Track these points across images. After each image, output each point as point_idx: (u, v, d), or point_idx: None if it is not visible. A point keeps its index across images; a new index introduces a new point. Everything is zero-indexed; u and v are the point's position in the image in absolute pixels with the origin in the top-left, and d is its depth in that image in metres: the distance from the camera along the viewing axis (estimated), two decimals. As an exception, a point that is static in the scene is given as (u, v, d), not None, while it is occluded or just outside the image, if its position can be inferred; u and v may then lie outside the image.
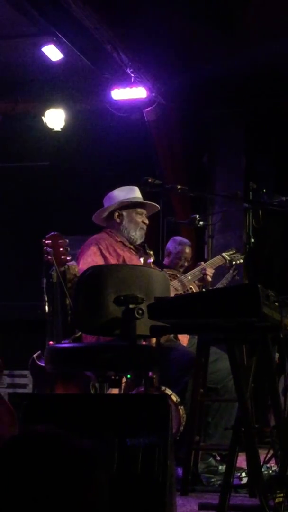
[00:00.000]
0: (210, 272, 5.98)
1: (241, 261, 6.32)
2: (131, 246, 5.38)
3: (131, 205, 5.39)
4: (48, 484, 1.72)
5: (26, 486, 1.72)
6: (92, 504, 1.75)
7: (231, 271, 7.05)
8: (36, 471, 1.74)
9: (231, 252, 6.29)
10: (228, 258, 6.21)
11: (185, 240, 7.01)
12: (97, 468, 1.78)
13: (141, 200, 5.41)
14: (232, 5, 7.16)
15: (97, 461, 1.79)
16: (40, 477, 1.73)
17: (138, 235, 5.38)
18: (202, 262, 6.18)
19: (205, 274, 5.93)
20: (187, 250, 6.89)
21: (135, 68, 8.14)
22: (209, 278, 5.96)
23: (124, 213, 5.37)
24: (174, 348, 5.51)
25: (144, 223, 5.41)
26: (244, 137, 9.14)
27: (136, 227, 5.37)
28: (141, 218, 5.40)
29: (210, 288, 6.36)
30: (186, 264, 6.82)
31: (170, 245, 6.96)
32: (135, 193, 5.40)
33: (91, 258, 5.06)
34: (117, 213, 5.37)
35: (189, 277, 5.86)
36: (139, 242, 5.40)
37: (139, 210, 5.40)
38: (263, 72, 8.22)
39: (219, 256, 6.24)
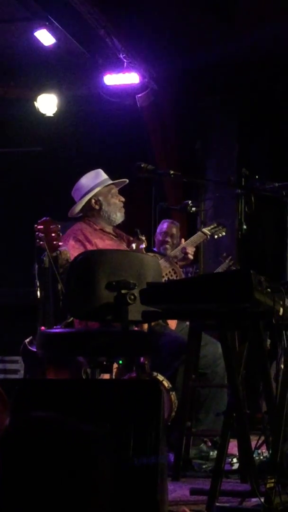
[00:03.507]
0: (191, 250, 5.91)
1: (224, 233, 6.20)
2: (111, 232, 5.37)
3: (105, 189, 5.36)
4: (53, 470, 1.72)
5: (33, 471, 1.72)
6: (97, 487, 1.76)
7: (227, 261, 7.04)
8: (42, 456, 1.74)
9: (212, 227, 6.17)
10: (209, 233, 6.08)
11: (167, 219, 7.05)
12: (100, 452, 1.78)
13: (111, 181, 5.38)
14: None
15: (99, 445, 1.80)
16: (45, 463, 1.73)
17: (119, 216, 5.38)
18: (183, 240, 6.13)
19: (186, 253, 5.88)
20: (168, 225, 6.92)
21: (128, 54, 8.12)
22: (190, 257, 5.90)
23: (101, 198, 5.34)
24: (165, 333, 5.50)
25: (121, 201, 5.40)
26: (237, 123, 9.13)
27: (116, 209, 5.36)
28: (117, 197, 5.39)
29: (197, 267, 6.36)
30: (169, 239, 6.81)
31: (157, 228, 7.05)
32: (103, 175, 5.38)
33: (70, 253, 5.03)
34: (93, 200, 5.33)
35: (171, 257, 5.85)
36: (119, 222, 5.39)
37: (113, 191, 5.39)
38: (257, 58, 8.21)
39: (199, 233, 6.11)
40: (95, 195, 5.33)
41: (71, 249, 4.98)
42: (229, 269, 6.92)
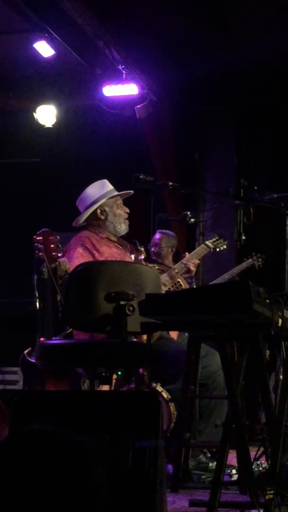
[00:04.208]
0: (193, 262, 5.96)
1: (225, 247, 6.29)
2: (116, 240, 5.38)
3: (111, 199, 5.38)
4: (49, 482, 1.72)
5: (26, 484, 1.72)
6: (92, 499, 1.76)
7: (250, 260, 7.03)
8: (36, 469, 1.74)
9: (214, 240, 6.26)
10: (212, 246, 6.17)
11: (159, 230, 7.10)
12: (96, 464, 1.78)
13: (116, 192, 5.39)
14: (224, 3, 7.16)
15: (95, 456, 1.79)
16: (40, 475, 1.73)
17: (123, 228, 5.40)
18: (187, 253, 6.16)
19: (186, 265, 5.92)
20: (157, 235, 6.96)
21: (126, 65, 8.14)
22: (192, 268, 5.94)
23: (107, 209, 5.35)
24: (169, 345, 5.50)
25: (126, 212, 5.42)
26: (235, 134, 9.14)
27: (121, 220, 5.38)
28: (122, 209, 5.41)
29: (195, 278, 6.38)
30: (153, 249, 6.85)
31: None
32: (108, 186, 5.38)
33: (77, 260, 5.02)
34: (99, 210, 5.34)
35: (176, 270, 5.87)
36: (124, 233, 5.41)
37: (118, 202, 5.40)
38: (255, 69, 8.23)
39: (202, 245, 6.21)
40: (101, 205, 5.34)
41: (79, 257, 4.99)
42: (253, 266, 6.96)
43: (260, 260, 7.06)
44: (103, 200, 5.32)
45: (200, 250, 6.14)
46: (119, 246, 5.36)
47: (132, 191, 5.47)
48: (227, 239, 6.36)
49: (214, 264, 7.87)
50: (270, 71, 8.28)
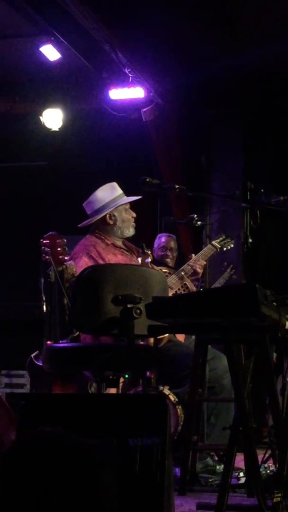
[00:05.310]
0: (201, 263, 5.91)
1: (232, 245, 6.20)
2: (122, 245, 5.37)
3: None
4: (57, 485, 1.72)
5: (35, 487, 1.73)
6: (101, 502, 1.76)
7: (228, 270, 7.05)
8: (44, 472, 1.74)
9: (220, 239, 6.18)
10: (219, 246, 6.09)
11: (163, 233, 7.09)
12: (104, 467, 1.78)
13: (125, 196, 5.37)
14: (230, 6, 7.17)
15: (104, 459, 1.80)
16: (49, 478, 1.73)
17: (131, 231, 5.40)
18: (193, 255, 6.13)
19: (193, 266, 5.88)
20: (165, 239, 6.95)
21: (133, 68, 8.14)
22: (199, 270, 5.89)
23: (116, 214, 5.33)
24: (178, 348, 5.49)
25: (133, 217, 5.40)
26: (242, 137, 9.14)
27: (129, 225, 5.37)
28: (130, 213, 5.39)
29: (202, 280, 6.36)
30: (169, 253, 6.87)
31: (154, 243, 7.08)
32: (118, 190, 5.35)
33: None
34: (108, 216, 5.33)
35: (182, 273, 5.85)
36: (130, 235, 5.40)
37: (126, 206, 5.39)
38: (261, 72, 8.24)
39: (209, 246, 6.13)
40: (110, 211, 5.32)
41: (84, 266, 4.96)
42: (230, 279, 6.95)
43: (233, 270, 7.08)
44: (114, 207, 5.30)
45: (206, 251, 6.09)
46: (125, 251, 5.35)
47: (140, 196, 5.46)
48: (234, 241, 6.34)
49: (220, 266, 7.85)
50: (276, 75, 8.28)
